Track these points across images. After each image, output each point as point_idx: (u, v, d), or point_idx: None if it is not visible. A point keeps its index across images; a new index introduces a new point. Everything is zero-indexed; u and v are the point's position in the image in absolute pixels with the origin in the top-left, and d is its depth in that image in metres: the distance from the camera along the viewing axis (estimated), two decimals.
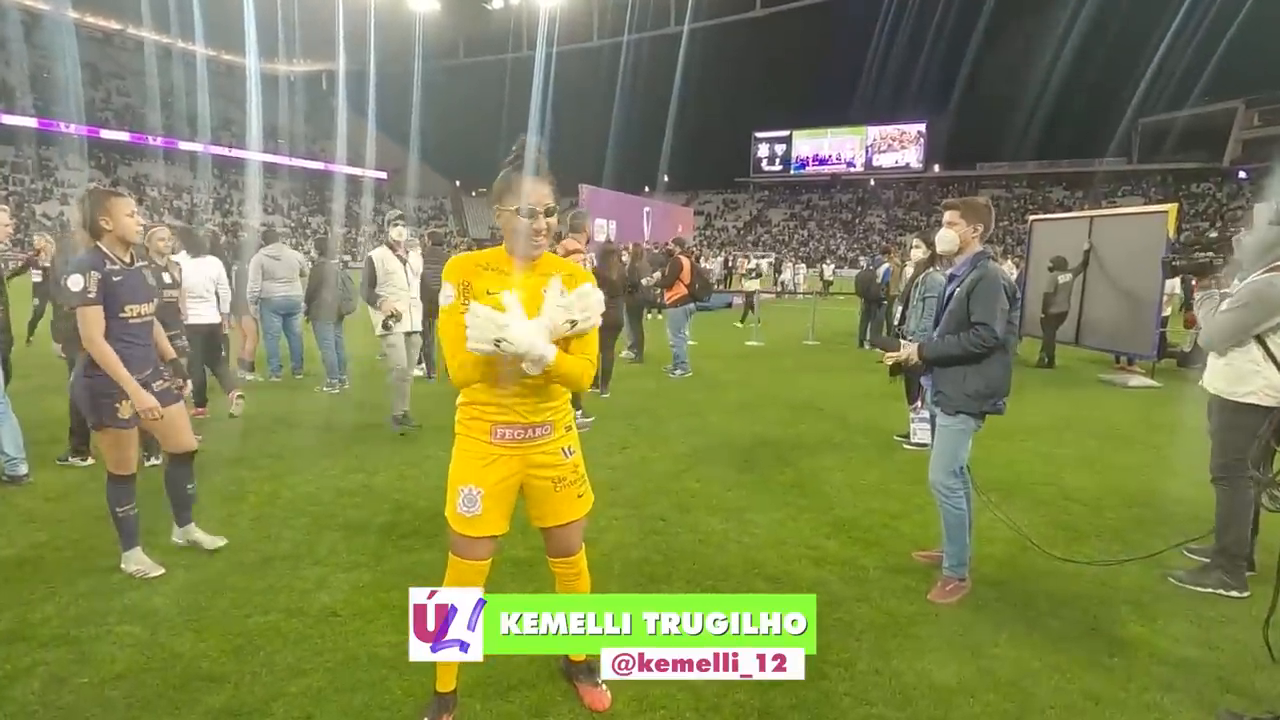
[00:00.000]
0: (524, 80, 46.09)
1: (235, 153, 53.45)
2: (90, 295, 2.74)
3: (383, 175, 62.56)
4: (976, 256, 3.00)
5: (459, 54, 64.20)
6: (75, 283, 2.73)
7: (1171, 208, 8.34)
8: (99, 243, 2.85)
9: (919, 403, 3.30)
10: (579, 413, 5.99)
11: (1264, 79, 41.77)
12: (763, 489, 4.42)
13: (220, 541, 3.32)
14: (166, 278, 4.52)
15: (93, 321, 2.76)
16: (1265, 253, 2.96)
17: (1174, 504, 4.28)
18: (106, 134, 47.87)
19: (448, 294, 1.94)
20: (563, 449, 2.09)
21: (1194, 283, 3.47)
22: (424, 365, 8.11)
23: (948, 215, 3.08)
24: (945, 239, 3.07)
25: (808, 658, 2.54)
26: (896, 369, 5.52)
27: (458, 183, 71.42)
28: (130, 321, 2.88)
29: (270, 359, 7.68)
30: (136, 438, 3.03)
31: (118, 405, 2.89)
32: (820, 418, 6.45)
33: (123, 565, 3.07)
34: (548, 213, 1.95)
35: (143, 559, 3.08)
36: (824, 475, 4.72)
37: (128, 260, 2.91)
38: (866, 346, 11.28)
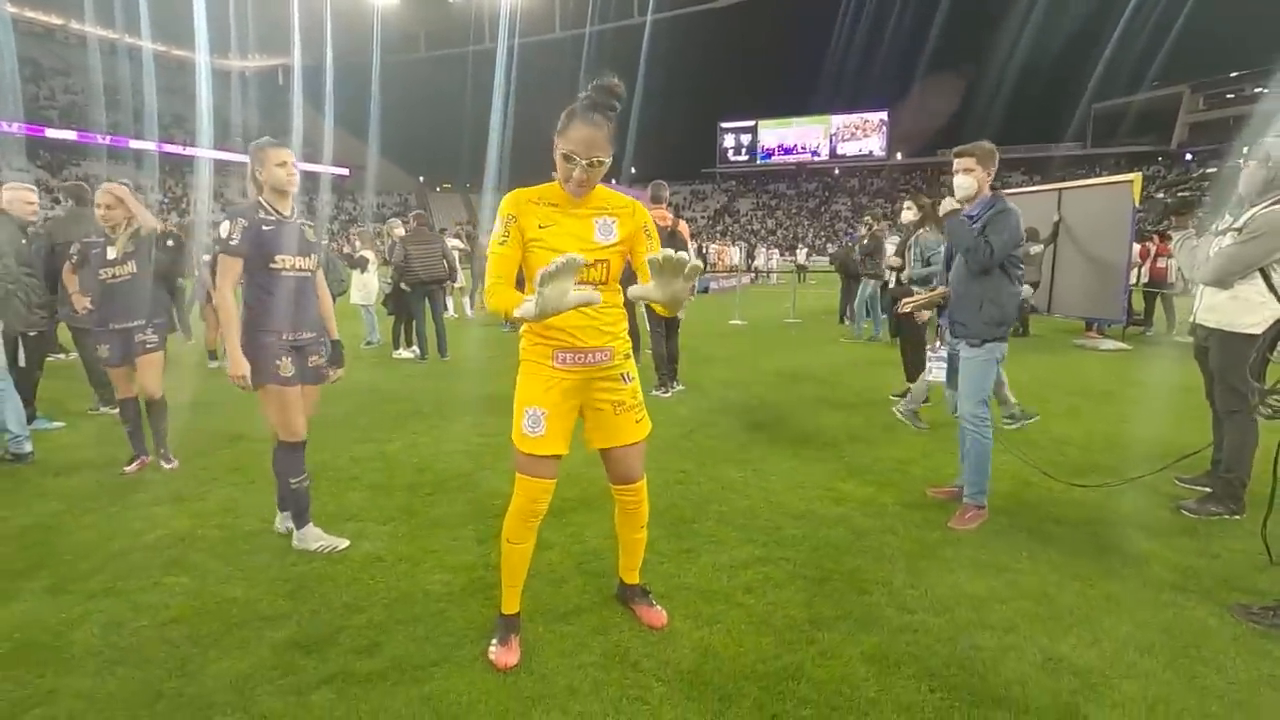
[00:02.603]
0: (487, 73, 45.58)
1: (189, 151, 51.85)
2: (232, 242, 2.68)
3: (344, 171, 61.34)
4: (994, 198, 3.16)
5: (420, 47, 63.22)
6: (223, 229, 2.71)
7: (1136, 176, 8.68)
8: (260, 196, 2.83)
9: (938, 341, 3.45)
10: (676, 384, 6.10)
11: (1208, 64, 43.45)
12: (772, 443, 4.54)
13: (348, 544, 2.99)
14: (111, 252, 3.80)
15: (226, 270, 2.72)
16: (1273, 186, 3.08)
17: (1157, 444, 4.50)
18: (51, 133, 46.03)
19: (496, 227, 2.03)
20: (622, 374, 2.17)
21: (1173, 220, 3.62)
22: (416, 348, 8.07)
23: (964, 163, 3.19)
24: (964, 185, 3.18)
25: (846, 578, 2.67)
26: (903, 326, 5.67)
27: (421, 178, 70.44)
28: (282, 274, 2.76)
29: None
30: (301, 400, 2.85)
31: (279, 361, 2.76)
32: (814, 384, 6.60)
33: (297, 543, 2.91)
34: (591, 164, 1.97)
35: (322, 535, 2.95)
36: (828, 430, 4.86)
37: (286, 213, 2.84)
38: (847, 322, 11.51)
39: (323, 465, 4.08)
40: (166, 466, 3.97)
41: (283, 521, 3.09)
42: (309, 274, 2.89)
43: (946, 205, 5.90)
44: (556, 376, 2.08)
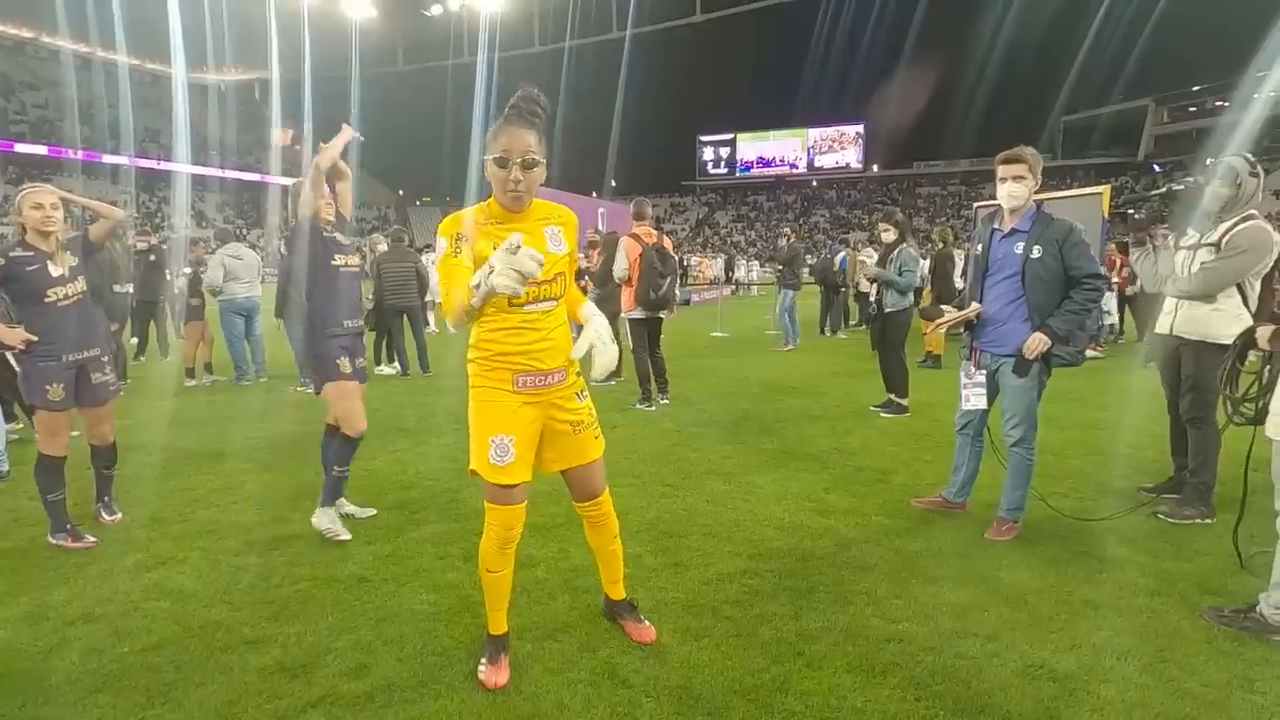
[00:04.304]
0: (466, 86, 45.59)
1: (164, 165, 51.20)
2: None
3: None
4: (1039, 211, 3.11)
5: (398, 61, 63.10)
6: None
7: (1105, 188, 8.92)
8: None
9: (972, 367, 3.25)
10: (662, 398, 6.15)
11: (1171, 78, 44.77)
12: (755, 455, 4.58)
13: (370, 511, 3.52)
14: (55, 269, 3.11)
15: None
16: (1245, 203, 3.18)
17: (1128, 449, 4.64)
18: (21, 148, 45.28)
19: (441, 246, 1.96)
20: (576, 394, 2.16)
21: (1131, 238, 3.70)
22: (398, 364, 8.03)
23: (1014, 169, 3.07)
24: (1018, 194, 3.08)
25: (832, 589, 2.71)
26: (884, 337, 5.70)
27: (401, 191, 70.13)
28: (341, 270, 3.28)
29: (238, 364, 7.46)
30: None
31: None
32: (795, 395, 6.66)
33: (314, 520, 3.22)
34: (526, 164, 1.90)
35: (334, 521, 3.22)
36: (810, 441, 4.91)
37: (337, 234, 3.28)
38: (827, 333, 11.64)
39: (308, 485, 4.04)
40: (108, 519, 3.42)
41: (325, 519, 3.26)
42: (358, 270, 3.40)
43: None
44: (518, 401, 2.04)
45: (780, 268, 10.16)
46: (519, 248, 1.64)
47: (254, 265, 7.45)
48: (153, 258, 8.21)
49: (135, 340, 8.91)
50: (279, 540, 3.20)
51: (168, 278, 8.40)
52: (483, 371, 2.07)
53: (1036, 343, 3.00)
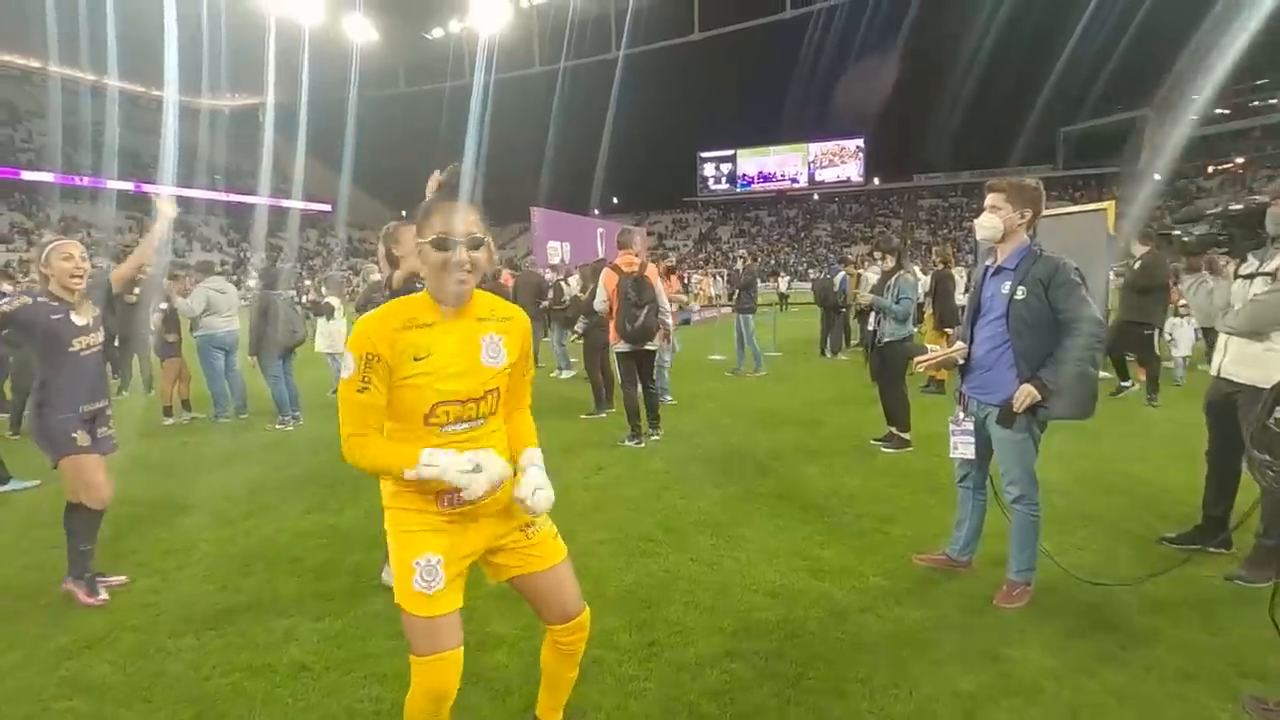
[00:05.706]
0: (466, 107, 45.83)
1: (178, 191, 51.57)
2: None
3: (327, 207, 61.25)
4: (1030, 247, 2.79)
5: (399, 83, 63.63)
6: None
7: (1109, 204, 8.64)
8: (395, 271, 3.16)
9: (960, 413, 3.02)
10: (653, 433, 5.88)
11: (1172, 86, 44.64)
12: (748, 500, 4.30)
13: None
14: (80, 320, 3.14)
15: None
16: None
17: (1149, 488, 4.34)
18: (28, 175, 45.67)
19: (349, 367, 1.61)
20: (515, 498, 1.74)
21: (1183, 264, 3.35)
22: None
23: (990, 198, 2.81)
24: (987, 225, 2.80)
25: (824, 674, 2.42)
26: (883, 368, 5.46)
27: (404, 213, 70.41)
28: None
29: (217, 400, 7.23)
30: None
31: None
32: (794, 427, 6.38)
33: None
34: (472, 244, 1.63)
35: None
36: (807, 483, 4.63)
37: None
38: (828, 355, 11.37)
39: (266, 542, 3.80)
40: (115, 581, 3.24)
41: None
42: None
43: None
44: (444, 518, 1.70)
45: (737, 292, 10.00)
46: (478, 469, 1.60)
47: (234, 300, 7.26)
48: (136, 289, 8.03)
49: (117, 376, 8.72)
50: (221, 616, 2.94)
51: (148, 313, 8.20)
52: (397, 489, 1.71)
53: (1024, 395, 2.71)
